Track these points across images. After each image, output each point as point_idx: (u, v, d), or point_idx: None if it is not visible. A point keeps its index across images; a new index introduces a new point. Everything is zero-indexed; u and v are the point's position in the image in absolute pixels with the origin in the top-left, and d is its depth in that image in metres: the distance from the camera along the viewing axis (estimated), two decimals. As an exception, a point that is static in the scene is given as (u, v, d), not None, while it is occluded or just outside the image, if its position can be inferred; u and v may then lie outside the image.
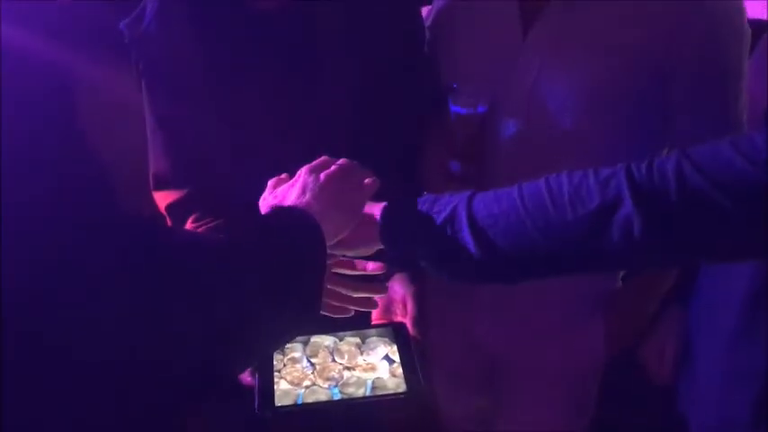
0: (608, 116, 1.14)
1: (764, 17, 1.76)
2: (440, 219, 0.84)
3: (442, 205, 0.86)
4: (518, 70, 1.17)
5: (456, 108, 1.17)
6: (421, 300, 1.15)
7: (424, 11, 1.32)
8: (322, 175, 0.92)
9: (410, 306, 1.14)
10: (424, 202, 0.88)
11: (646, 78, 1.11)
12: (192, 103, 1.13)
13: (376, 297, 1.03)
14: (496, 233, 0.80)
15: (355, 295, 1.00)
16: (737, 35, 1.11)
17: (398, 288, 1.17)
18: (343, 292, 1.00)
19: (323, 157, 0.96)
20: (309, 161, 1.14)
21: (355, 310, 1.02)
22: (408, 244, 0.88)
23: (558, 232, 0.77)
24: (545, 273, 0.84)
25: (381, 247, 0.92)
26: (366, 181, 0.94)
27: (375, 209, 0.92)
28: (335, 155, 1.13)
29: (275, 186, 0.94)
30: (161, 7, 1.11)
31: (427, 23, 1.30)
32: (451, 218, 0.83)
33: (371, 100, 1.14)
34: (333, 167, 0.93)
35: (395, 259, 0.94)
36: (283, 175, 0.95)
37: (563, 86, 1.15)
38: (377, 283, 1.03)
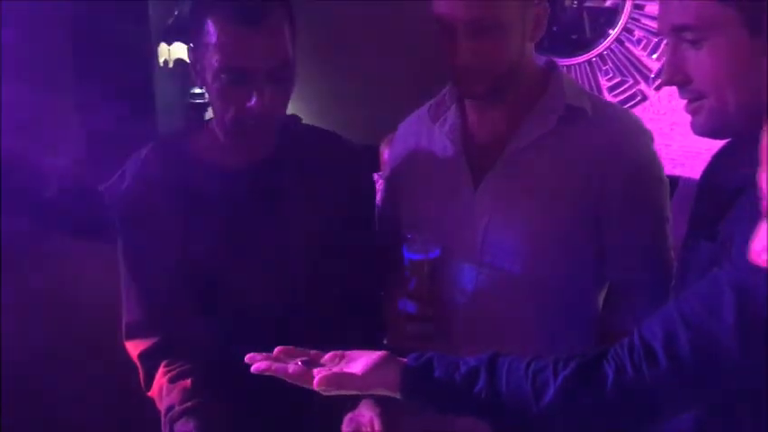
0: (551, 256, 1.26)
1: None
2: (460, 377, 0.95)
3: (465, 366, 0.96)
4: (470, 218, 1.29)
5: (409, 254, 1.28)
6: (387, 419, 1.20)
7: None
8: None
9: (377, 425, 1.19)
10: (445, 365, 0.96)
11: (582, 221, 1.25)
12: (164, 258, 1.23)
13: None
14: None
15: None
16: (657, 182, 1.27)
17: (366, 412, 1.22)
18: None
19: None
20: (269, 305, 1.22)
21: None
22: (429, 400, 0.97)
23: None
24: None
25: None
26: None
27: (394, 365, 0.98)
28: (295, 301, 1.22)
29: None
30: (140, 171, 1.24)
31: (385, 176, 1.43)
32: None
33: (330, 250, 1.26)
34: None
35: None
36: None
37: (512, 230, 1.27)
38: None
